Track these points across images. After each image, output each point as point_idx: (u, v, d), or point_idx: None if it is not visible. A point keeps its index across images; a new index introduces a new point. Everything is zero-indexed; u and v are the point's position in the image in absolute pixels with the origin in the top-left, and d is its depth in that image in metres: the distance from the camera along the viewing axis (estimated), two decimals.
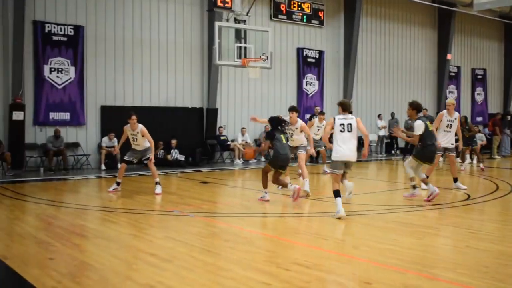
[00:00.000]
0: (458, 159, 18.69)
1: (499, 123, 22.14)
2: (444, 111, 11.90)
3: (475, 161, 18.72)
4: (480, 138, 18.24)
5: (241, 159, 18.70)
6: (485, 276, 5.33)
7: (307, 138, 11.36)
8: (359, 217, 8.91)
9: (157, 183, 11.23)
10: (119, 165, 15.93)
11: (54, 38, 15.89)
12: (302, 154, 11.32)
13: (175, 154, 17.50)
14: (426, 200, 9.91)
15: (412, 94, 25.81)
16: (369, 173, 17.19)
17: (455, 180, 11.85)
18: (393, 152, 23.25)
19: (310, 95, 21.97)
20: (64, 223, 8.15)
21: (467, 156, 19.21)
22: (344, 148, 8.56)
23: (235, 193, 11.85)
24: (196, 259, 6.03)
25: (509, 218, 8.48)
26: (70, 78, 16.21)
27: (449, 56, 26.67)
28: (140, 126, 11.11)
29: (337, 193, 8.50)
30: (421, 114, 10.81)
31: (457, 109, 27.78)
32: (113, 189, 11.36)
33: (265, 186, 10.03)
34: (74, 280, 5.20)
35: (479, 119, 29.32)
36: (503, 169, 16.02)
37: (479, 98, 29.82)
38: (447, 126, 11.81)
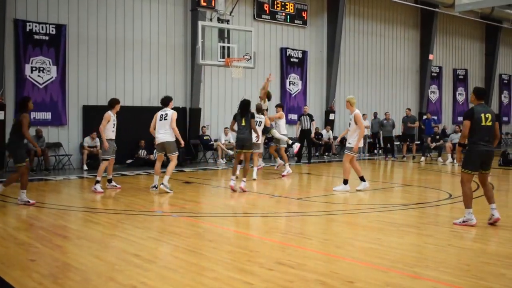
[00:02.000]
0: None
1: None
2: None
3: (455, 161, 18.89)
4: None
5: (224, 159, 18.67)
6: (466, 274, 5.39)
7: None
8: (342, 217, 8.97)
9: (98, 182, 11.37)
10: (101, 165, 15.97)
11: (36, 37, 15.68)
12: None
13: None
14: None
15: (394, 94, 26.02)
16: (351, 172, 17.22)
17: (361, 178, 11.81)
18: (375, 151, 23.38)
19: (293, 95, 22.01)
20: (46, 224, 8.06)
21: (448, 155, 19.39)
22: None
23: (218, 193, 11.82)
24: (179, 259, 6.02)
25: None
26: (52, 77, 16.03)
27: (431, 57, 26.90)
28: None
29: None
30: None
31: (439, 109, 28.42)
32: (112, 186, 11.79)
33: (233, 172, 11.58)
34: (56, 281, 5.15)
35: (460, 119, 29.57)
36: None
37: (460, 98, 30.14)
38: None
